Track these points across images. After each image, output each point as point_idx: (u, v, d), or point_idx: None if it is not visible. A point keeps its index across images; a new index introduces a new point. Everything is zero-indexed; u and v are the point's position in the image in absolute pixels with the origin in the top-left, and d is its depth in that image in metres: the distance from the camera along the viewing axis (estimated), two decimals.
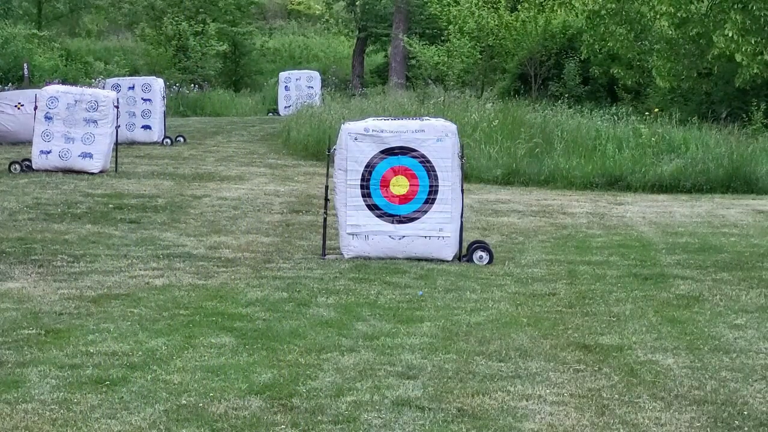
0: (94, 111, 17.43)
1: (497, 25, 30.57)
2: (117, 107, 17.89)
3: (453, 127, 10.95)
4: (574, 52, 28.97)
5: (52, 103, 17.43)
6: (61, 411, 5.92)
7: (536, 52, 29.81)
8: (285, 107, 31.90)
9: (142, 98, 22.93)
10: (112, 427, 5.70)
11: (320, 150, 18.41)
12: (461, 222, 10.87)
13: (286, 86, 32.63)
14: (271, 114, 33.30)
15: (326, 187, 11.11)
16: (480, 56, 31.03)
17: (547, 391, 6.45)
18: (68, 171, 17.21)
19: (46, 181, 16.29)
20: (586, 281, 9.96)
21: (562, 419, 5.94)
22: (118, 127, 18.15)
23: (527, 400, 6.26)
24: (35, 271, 9.84)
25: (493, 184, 17.53)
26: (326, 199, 11.13)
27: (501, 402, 6.22)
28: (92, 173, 17.23)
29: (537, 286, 9.67)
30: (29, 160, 17.50)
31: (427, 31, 38.87)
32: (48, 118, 17.38)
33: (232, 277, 9.85)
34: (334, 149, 10.87)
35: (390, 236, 10.73)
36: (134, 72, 35.39)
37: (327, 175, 11.11)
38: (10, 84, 30.27)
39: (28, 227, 12.34)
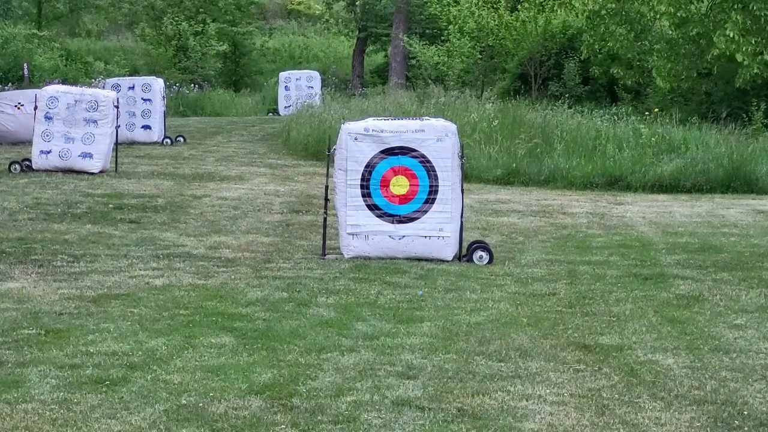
0: (94, 111, 17.43)
1: (497, 25, 30.57)
2: (117, 107, 17.89)
3: (453, 127, 10.95)
4: (574, 52, 28.97)
5: (52, 103, 17.43)
6: (61, 411, 5.92)
7: (536, 52, 29.82)
8: (285, 107, 31.89)
9: (142, 98, 22.94)
10: (112, 427, 5.70)
11: (320, 150, 18.40)
12: (461, 222, 10.87)
13: (286, 86, 32.63)
14: (271, 114, 33.30)
15: (326, 187, 11.11)
16: (480, 56, 31.04)
17: (547, 391, 6.45)
18: (68, 171, 17.21)
19: (46, 181, 16.29)
20: (586, 281, 9.96)
21: (562, 419, 5.94)
22: (118, 127, 18.15)
23: (527, 400, 6.26)
24: (35, 271, 9.84)
25: (493, 184, 17.53)
26: (326, 199, 11.13)
27: (501, 402, 6.22)
28: (92, 173, 17.23)
29: (537, 286, 9.67)
30: (29, 160, 17.50)
31: (427, 31, 38.88)
32: (48, 118, 17.38)
33: (232, 277, 9.85)
34: (334, 149, 10.87)
35: (390, 236, 10.73)
36: (134, 72, 35.39)
37: (327, 175, 11.11)
38: (10, 84, 30.26)
39: (28, 227, 12.35)
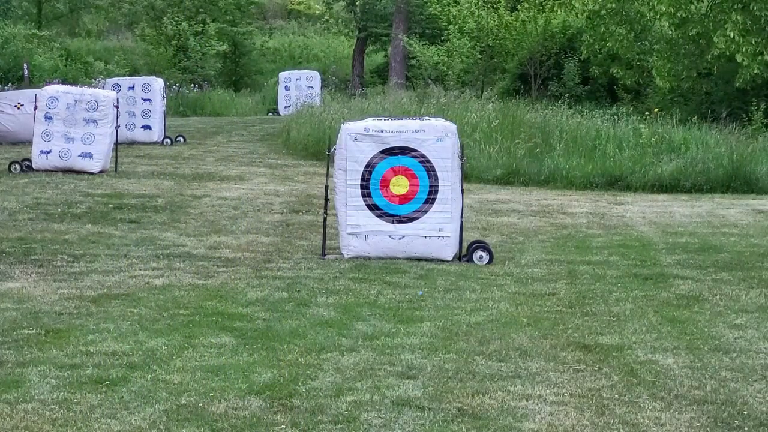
0: (94, 111, 17.43)
1: (497, 25, 30.57)
2: (117, 107, 17.89)
3: (453, 127, 10.95)
4: (573, 52, 28.98)
5: (52, 103, 17.43)
6: (61, 411, 5.92)
7: (536, 52, 29.82)
8: (285, 107, 31.90)
9: (142, 98, 22.94)
10: (112, 427, 5.70)
11: (320, 150, 18.40)
12: (461, 222, 10.87)
13: (286, 86, 32.63)
14: (271, 114, 33.29)
15: (326, 187, 11.11)
16: (480, 56, 31.04)
17: (547, 390, 6.45)
18: (68, 171, 17.21)
19: (46, 181, 16.29)
20: (586, 281, 9.96)
21: (562, 419, 5.94)
22: (118, 127, 18.15)
23: (527, 400, 6.26)
24: (35, 271, 9.84)
25: (493, 184, 17.53)
26: (326, 199, 11.13)
27: (501, 402, 6.22)
28: (92, 173, 17.23)
29: (537, 286, 9.67)
30: (29, 160, 17.50)
31: (427, 31, 38.89)
32: (48, 118, 17.38)
33: (232, 276, 9.85)
34: (334, 149, 10.87)
35: (390, 236, 10.73)
36: (134, 72, 35.40)
37: (327, 175, 11.11)
38: (9, 84, 30.26)
39: (28, 227, 12.35)
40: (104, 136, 17.46)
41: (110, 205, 14.15)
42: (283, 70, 35.36)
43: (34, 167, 17.33)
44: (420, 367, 6.91)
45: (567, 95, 27.05)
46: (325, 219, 11.13)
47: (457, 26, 31.09)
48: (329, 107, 24.35)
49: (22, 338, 7.45)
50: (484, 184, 17.44)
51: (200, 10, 39.28)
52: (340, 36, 47.30)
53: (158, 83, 23.40)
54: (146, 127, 23.01)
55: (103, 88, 22.06)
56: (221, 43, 38.89)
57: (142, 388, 6.34)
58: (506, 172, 17.98)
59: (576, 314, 8.54)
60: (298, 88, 32.08)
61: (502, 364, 7.03)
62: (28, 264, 10.17)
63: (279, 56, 47.34)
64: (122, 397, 6.18)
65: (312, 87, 32.00)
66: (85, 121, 17.37)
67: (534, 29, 29.92)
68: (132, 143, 22.09)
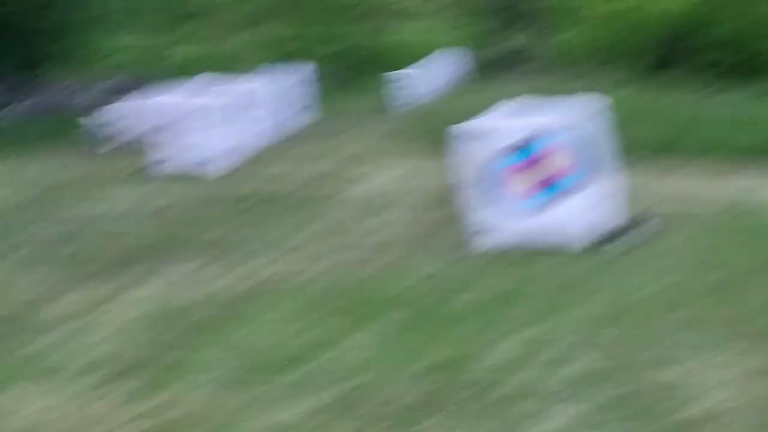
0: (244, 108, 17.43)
1: None
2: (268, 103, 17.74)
3: (600, 104, 10.52)
4: None
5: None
6: (218, 404, 5.97)
7: None
8: (407, 102, 31.55)
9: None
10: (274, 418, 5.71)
11: (443, 143, 18.09)
12: (613, 203, 10.40)
13: (410, 80, 32.24)
14: (394, 109, 32.96)
15: (457, 182, 10.78)
16: None
17: (727, 366, 6.10)
18: (196, 171, 16.94)
19: (183, 179, 16.18)
20: None
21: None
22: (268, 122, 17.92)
23: (707, 374, 5.95)
24: (181, 268, 9.77)
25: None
26: (459, 194, 10.82)
27: (679, 376, 5.95)
28: (223, 172, 16.99)
29: (710, 256, 9.00)
30: (159, 162, 17.18)
31: None
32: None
33: (386, 260, 9.71)
34: (456, 143, 10.60)
35: (527, 226, 10.29)
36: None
37: (454, 169, 10.78)
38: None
39: (170, 225, 12.24)
40: (235, 134, 17.32)
41: (254, 198, 14.00)
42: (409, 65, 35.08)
43: (155, 172, 17.02)
44: (588, 344, 6.65)
45: None
46: (460, 214, 10.80)
47: None
48: (451, 100, 24.10)
49: (171, 336, 7.48)
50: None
51: None
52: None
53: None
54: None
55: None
56: None
57: (307, 376, 6.32)
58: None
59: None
60: (426, 79, 31.70)
61: (673, 338, 6.69)
62: (173, 262, 10.09)
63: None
64: (282, 388, 6.16)
65: (440, 76, 31.55)
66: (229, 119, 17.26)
67: None
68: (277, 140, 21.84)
